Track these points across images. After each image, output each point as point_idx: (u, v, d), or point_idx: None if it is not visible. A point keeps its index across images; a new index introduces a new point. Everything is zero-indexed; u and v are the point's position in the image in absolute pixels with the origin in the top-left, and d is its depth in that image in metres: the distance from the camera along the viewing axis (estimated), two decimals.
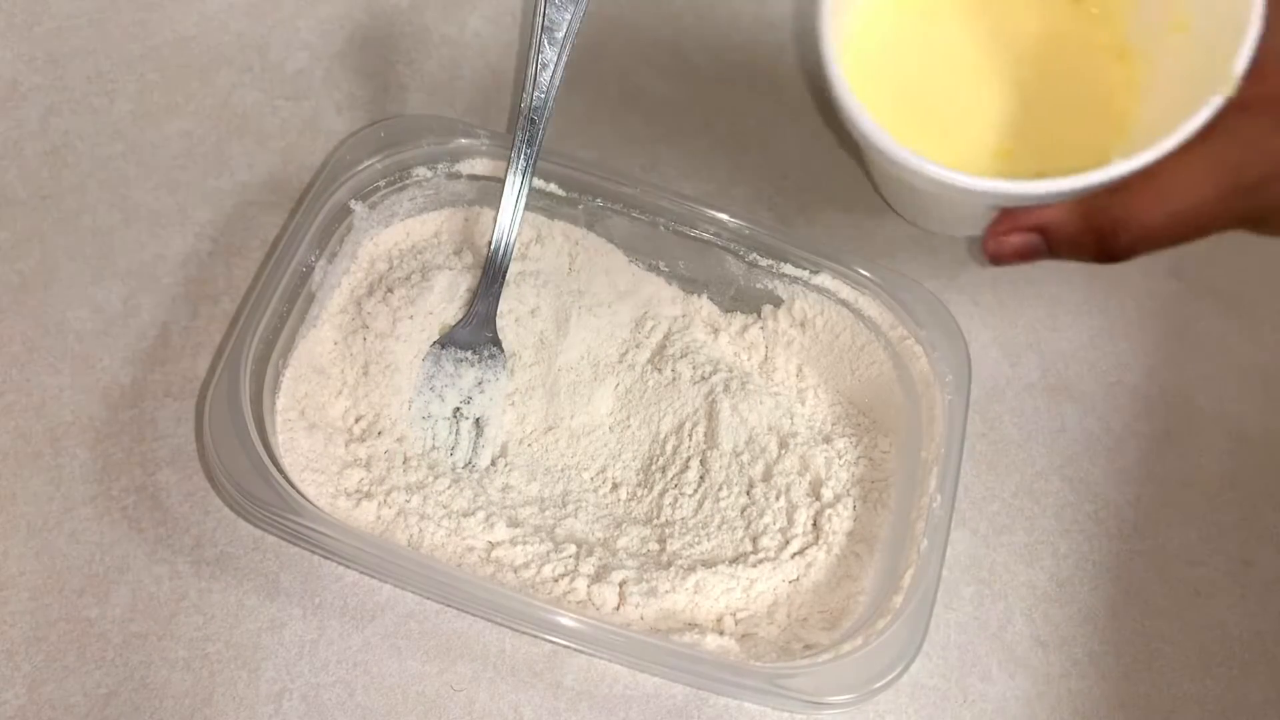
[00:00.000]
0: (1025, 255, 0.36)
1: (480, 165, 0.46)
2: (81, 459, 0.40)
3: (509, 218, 0.44)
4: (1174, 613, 0.45)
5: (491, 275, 0.44)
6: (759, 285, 0.47)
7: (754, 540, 0.42)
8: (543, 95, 0.42)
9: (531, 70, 0.42)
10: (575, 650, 0.39)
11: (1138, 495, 0.47)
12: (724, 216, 0.45)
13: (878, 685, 0.36)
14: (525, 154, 0.43)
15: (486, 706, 0.39)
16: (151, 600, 0.38)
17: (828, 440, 0.45)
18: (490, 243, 0.44)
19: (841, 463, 0.44)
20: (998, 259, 0.36)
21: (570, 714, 0.39)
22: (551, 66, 0.42)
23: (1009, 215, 0.36)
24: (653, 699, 0.40)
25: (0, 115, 0.47)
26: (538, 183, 0.45)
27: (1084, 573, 0.45)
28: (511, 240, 0.44)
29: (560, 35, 0.41)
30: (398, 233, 0.47)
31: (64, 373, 0.42)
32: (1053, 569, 0.45)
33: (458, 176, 0.46)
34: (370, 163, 0.44)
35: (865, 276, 0.45)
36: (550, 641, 0.39)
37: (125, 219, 0.46)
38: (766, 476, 0.44)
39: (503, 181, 0.43)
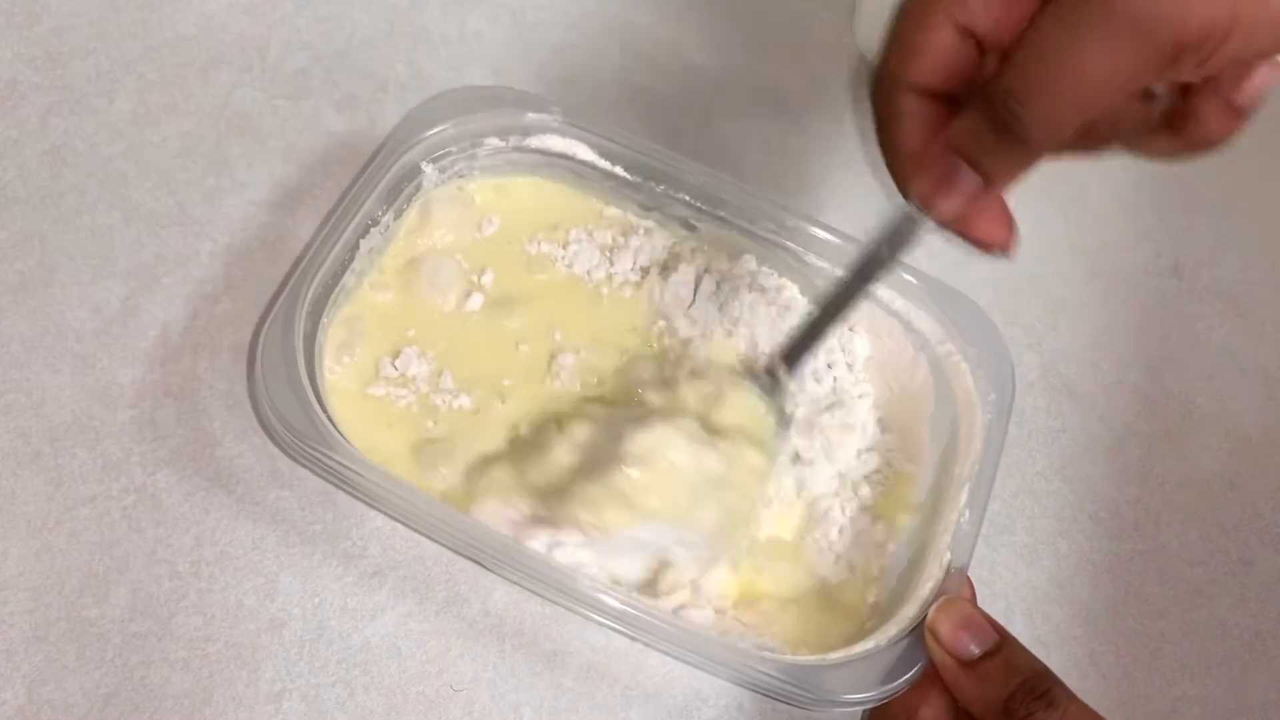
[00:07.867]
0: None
1: (551, 141, 0.46)
2: (81, 459, 0.40)
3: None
4: (1174, 613, 0.45)
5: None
6: None
7: None
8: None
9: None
10: (574, 614, 0.38)
11: (1138, 495, 0.47)
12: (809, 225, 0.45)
13: (888, 688, 0.36)
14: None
15: (486, 706, 0.39)
16: (151, 600, 0.38)
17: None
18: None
19: (870, 468, 0.44)
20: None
21: (570, 714, 0.39)
22: None
23: None
24: (653, 698, 0.40)
25: (0, 115, 0.47)
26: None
27: (1084, 573, 0.45)
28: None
29: None
30: None
31: (64, 373, 0.42)
32: (1053, 569, 0.45)
33: (527, 150, 0.47)
34: (443, 128, 0.45)
35: (916, 287, 0.43)
36: (553, 604, 0.39)
37: (125, 219, 0.46)
38: None
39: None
